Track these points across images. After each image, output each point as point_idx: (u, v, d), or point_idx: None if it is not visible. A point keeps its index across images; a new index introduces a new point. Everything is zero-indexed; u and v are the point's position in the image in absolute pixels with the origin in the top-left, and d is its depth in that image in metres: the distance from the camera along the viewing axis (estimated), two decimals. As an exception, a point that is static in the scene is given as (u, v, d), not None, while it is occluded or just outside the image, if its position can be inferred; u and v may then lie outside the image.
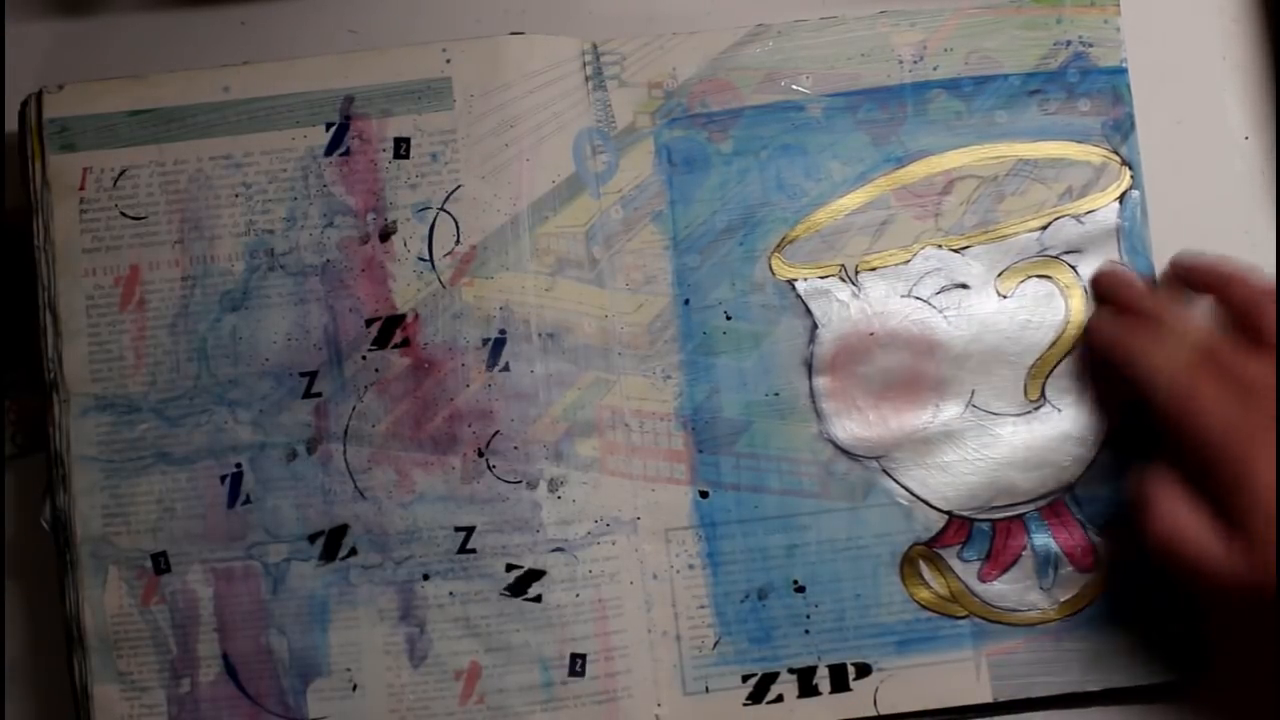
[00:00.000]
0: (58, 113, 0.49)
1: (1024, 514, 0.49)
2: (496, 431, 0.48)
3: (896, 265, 0.49)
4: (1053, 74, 0.50)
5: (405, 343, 0.48)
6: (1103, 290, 0.49)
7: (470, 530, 0.47)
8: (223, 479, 0.48)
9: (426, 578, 0.47)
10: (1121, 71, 0.50)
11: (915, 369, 0.49)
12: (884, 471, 0.49)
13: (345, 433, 0.48)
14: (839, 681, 0.48)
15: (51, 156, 0.49)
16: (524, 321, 0.48)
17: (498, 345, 0.48)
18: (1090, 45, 0.50)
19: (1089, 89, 0.50)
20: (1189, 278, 0.47)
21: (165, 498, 0.48)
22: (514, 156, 0.49)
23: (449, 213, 0.49)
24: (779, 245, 0.50)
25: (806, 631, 0.48)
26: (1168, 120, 0.51)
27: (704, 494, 0.49)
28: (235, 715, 0.47)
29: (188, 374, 0.48)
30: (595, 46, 0.50)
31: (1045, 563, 0.48)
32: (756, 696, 0.48)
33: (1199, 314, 0.46)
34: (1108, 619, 0.48)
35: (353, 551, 0.48)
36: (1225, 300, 0.45)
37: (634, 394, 0.49)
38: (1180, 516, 0.43)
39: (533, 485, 0.48)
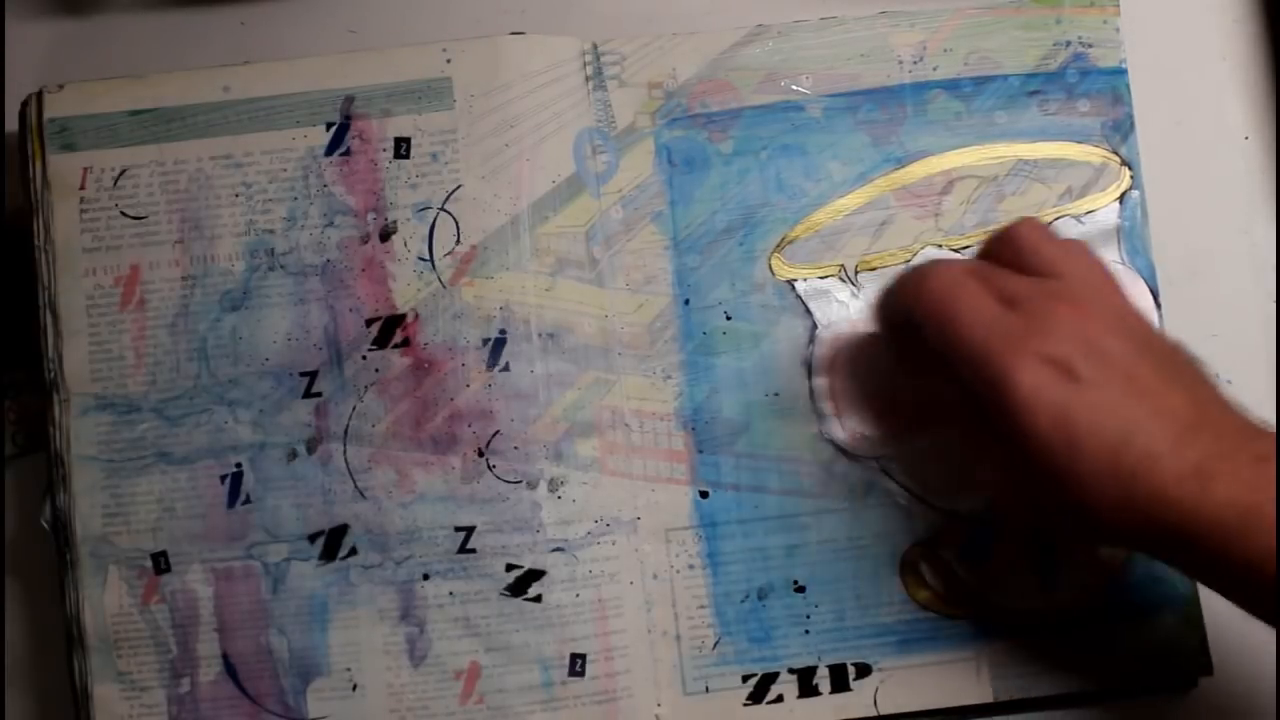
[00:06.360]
0: (58, 113, 0.49)
1: (1024, 514, 0.49)
2: (496, 431, 0.48)
3: (896, 265, 0.49)
4: (1052, 74, 0.50)
5: (405, 343, 0.48)
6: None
7: (470, 530, 0.47)
8: (223, 479, 0.48)
9: (426, 578, 0.47)
10: (1121, 72, 0.50)
11: (915, 369, 0.49)
12: (884, 472, 0.49)
13: (345, 433, 0.48)
14: (839, 681, 0.48)
15: (51, 156, 0.49)
16: (524, 321, 0.48)
17: (498, 345, 0.48)
18: (1090, 46, 0.50)
19: (1089, 89, 0.50)
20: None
21: (165, 497, 0.48)
22: (514, 156, 0.49)
23: (449, 213, 0.49)
24: (779, 245, 0.49)
25: (806, 631, 0.48)
26: (1168, 120, 0.51)
27: (704, 494, 0.48)
28: (235, 715, 0.47)
29: (188, 374, 0.48)
30: (595, 46, 0.50)
31: (1045, 563, 0.48)
32: (756, 696, 0.48)
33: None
34: (1108, 619, 0.48)
35: (353, 551, 0.48)
36: (1003, 251, 0.43)
37: (634, 394, 0.49)
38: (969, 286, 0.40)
39: (533, 485, 0.48)
